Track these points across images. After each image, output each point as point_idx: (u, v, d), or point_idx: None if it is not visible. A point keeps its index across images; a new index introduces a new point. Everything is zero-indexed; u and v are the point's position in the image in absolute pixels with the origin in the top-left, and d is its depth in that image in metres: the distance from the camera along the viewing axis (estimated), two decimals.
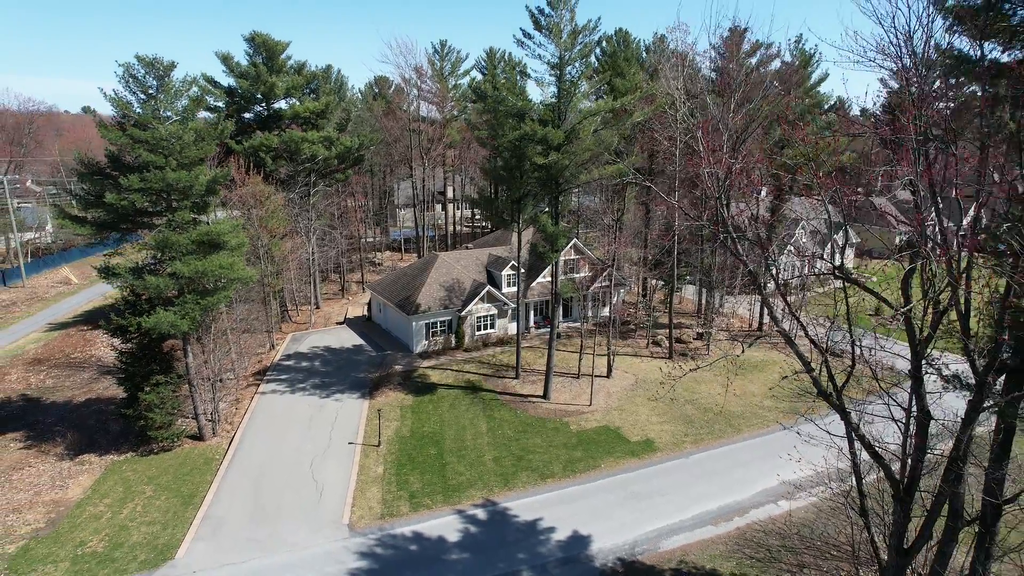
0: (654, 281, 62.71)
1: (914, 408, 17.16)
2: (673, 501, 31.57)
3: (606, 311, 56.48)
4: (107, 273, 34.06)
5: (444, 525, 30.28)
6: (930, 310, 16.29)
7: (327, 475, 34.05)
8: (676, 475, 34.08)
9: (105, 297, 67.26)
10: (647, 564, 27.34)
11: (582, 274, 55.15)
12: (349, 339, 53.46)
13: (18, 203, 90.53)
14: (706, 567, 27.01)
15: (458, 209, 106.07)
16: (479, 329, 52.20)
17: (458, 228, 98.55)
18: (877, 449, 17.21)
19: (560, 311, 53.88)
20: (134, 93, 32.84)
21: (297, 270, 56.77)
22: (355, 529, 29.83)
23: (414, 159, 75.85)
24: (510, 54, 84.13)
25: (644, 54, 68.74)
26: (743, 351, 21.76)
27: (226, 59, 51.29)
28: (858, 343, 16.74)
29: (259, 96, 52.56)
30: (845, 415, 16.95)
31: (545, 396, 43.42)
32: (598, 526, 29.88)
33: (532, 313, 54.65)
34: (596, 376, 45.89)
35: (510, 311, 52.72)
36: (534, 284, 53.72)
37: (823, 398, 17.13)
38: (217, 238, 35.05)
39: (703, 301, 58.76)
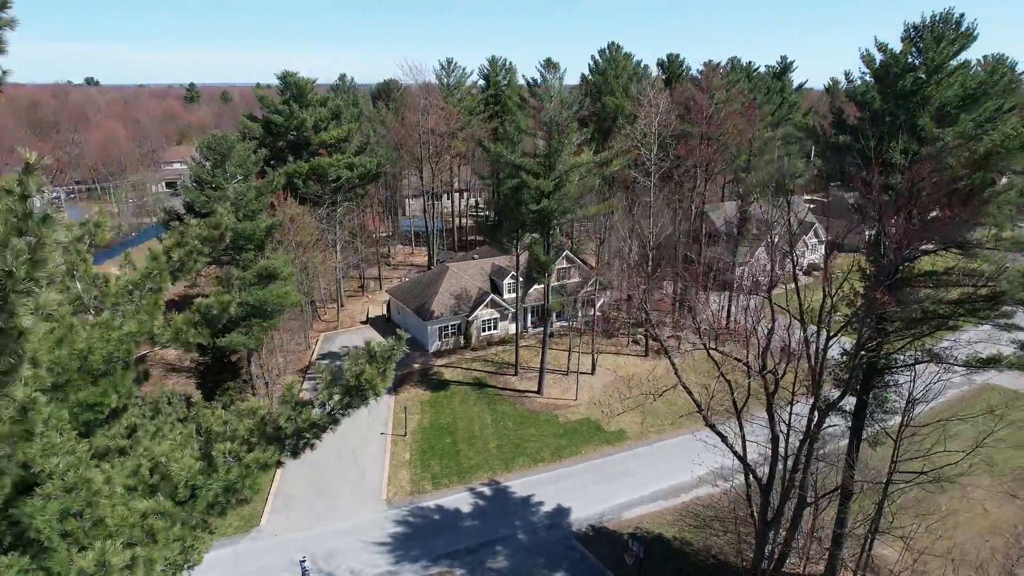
0: (637, 280, 71.71)
1: (772, 433, 26.53)
2: (635, 481, 41.13)
3: (596, 311, 65.64)
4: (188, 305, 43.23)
5: (459, 499, 40.00)
6: (783, 366, 25.46)
7: (366, 460, 43.76)
8: (640, 460, 43.62)
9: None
10: (611, 529, 37.05)
11: (573, 280, 64.27)
12: (373, 339, 62.73)
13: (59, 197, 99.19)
14: (655, 532, 36.69)
15: (463, 198, 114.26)
16: (484, 331, 61.53)
17: (464, 221, 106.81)
18: (746, 458, 26.62)
19: (553, 316, 63.00)
20: (208, 160, 41.57)
21: (324, 276, 65.82)
22: (391, 503, 39.59)
23: (423, 160, 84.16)
24: (509, 62, 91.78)
25: (636, 75, 76.37)
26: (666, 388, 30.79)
27: (263, 99, 59.92)
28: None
29: (292, 128, 60.95)
30: (719, 435, 26.29)
31: (539, 391, 52.94)
32: (576, 500, 39.56)
33: (529, 315, 63.80)
34: (581, 373, 55.37)
35: (510, 314, 61.87)
36: (531, 290, 62.72)
37: (706, 423, 26.51)
38: (274, 271, 44.04)
39: (677, 301, 67.63)
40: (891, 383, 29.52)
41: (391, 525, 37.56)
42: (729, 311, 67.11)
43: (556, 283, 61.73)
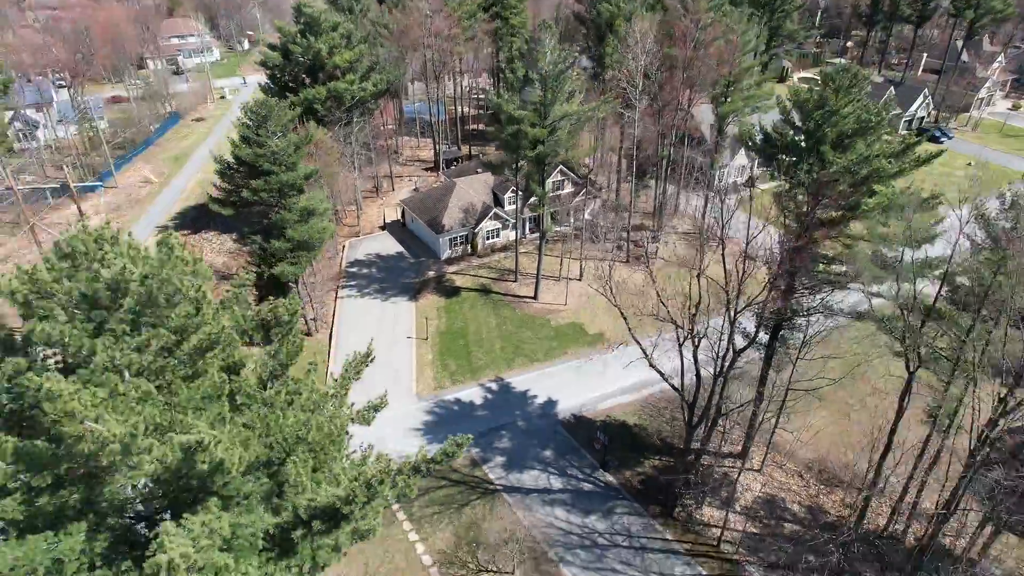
0: (625, 184, 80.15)
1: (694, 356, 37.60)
2: (609, 378, 53.03)
3: (586, 215, 74.90)
4: (245, 240, 52.89)
5: (472, 393, 52.37)
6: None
7: (398, 360, 55.73)
8: (615, 360, 55.47)
9: (182, 193, 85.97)
10: (588, 417, 49.63)
11: (566, 191, 73.02)
12: (392, 246, 72.91)
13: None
14: (620, 419, 49.30)
15: (463, 80, 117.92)
16: (488, 239, 71.41)
17: (467, 110, 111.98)
18: (668, 377, 37.95)
19: (548, 224, 72.39)
20: (252, 122, 49.29)
21: (345, 189, 74.38)
22: (420, 397, 52.00)
23: (427, 65, 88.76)
24: None
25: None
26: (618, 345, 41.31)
27: (281, 29, 65.09)
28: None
29: (308, 56, 66.67)
30: (643, 352, 37.34)
31: (535, 297, 63.95)
32: (562, 394, 51.88)
33: (527, 224, 73.17)
34: (571, 279, 66.17)
35: (511, 224, 71.28)
36: (529, 201, 71.53)
37: (638, 346, 37.51)
38: (314, 209, 53.27)
39: (657, 204, 76.35)
40: (793, 327, 40.20)
41: (422, 415, 50.18)
42: (704, 214, 76.44)
43: (551, 194, 70.36)
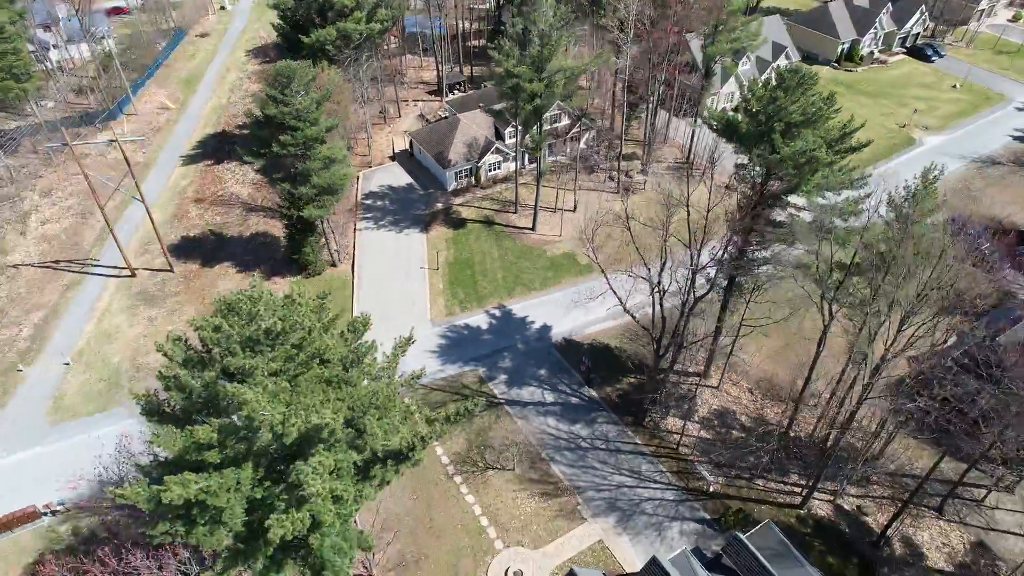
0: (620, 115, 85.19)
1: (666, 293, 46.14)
2: (596, 305, 61.67)
3: (581, 143, 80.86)
4: (270, 179, 59.84)
5: (479, 319, 61.31)
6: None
7: (413, 289, 64.28)
8: (601, 288, 63.89)
9: (199, 120, 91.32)
10: (576, 340, 58.82)
11: (563, 123, 78.65)
12: (402, 177, 79.46)
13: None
14: (603, 343, 58.52)
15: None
16: (490, 171, 77.91)
17: (468, 25, 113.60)
18: (640, 321, 46.64)
19: (545, 152, 78.42)
20: (278, 84, 54.94)
21: (354, 116, 79.71)
22: (435, 322, 60.99)
23: None
24: None
25: None
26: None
27: None
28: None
29: None
30: (612, 290, 45.82)
31: (533, 228, 71.51)
32: (555, 320, 60.77)
33: (526, 156, 79.27)
34: (565, 210, 73.46)
35: (511, 156, 77.47)
36: (528, 136, 77.36)
37: (605, 277, 45.97)
38: (335, 157, 59.81)
39: (648, 135, 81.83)
40: (747, 273, 48.30)
41: (436, 339, 59.37)
42: (691, 145, 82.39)
43: (548, 127, 76.07)
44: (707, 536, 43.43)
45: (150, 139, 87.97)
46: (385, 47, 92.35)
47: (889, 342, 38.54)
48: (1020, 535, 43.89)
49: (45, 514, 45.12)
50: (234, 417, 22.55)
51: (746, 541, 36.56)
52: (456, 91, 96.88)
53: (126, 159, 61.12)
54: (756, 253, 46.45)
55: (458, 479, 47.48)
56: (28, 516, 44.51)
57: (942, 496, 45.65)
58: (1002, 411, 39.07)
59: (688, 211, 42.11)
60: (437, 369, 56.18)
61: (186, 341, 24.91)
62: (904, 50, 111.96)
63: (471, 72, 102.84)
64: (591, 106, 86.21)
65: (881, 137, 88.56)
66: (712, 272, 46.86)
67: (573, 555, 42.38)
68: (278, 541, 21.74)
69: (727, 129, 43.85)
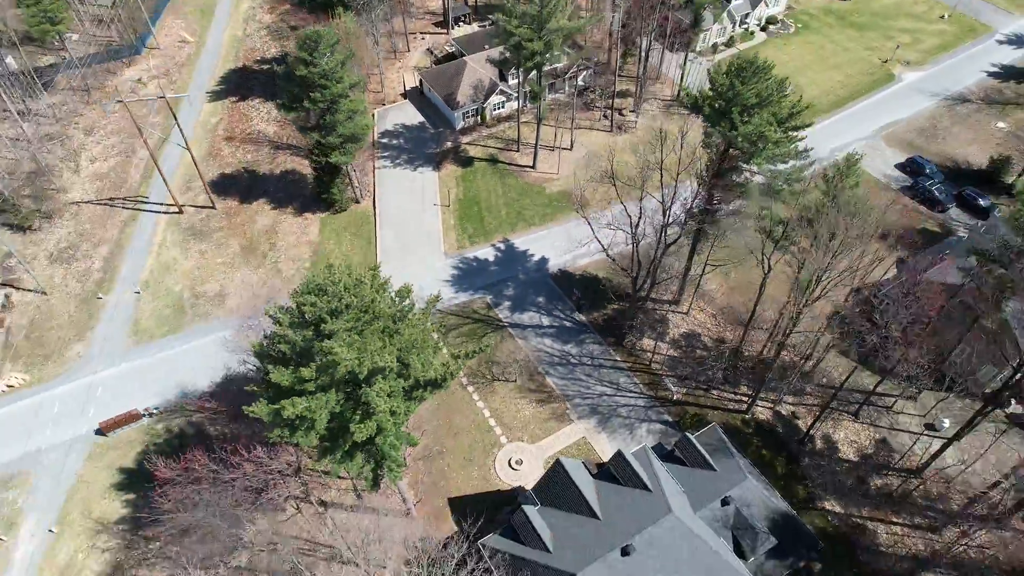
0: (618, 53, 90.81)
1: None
2: (596, 233, 71.25)
3: (579, 80, 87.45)
4: (304, 131, 68.04)
5: (486, 252, 71.12)
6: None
7: (428, 224, 73.68)
8: (599, 221, 73.19)
9: (219, 54, 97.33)
10: (570, 271, 68.88)
11: (561, 64, 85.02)
12: (414, 115, 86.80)
13: None
14: (593, 274, 68.58)
15: None
16: (494, 111, 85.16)
17: None
18: (619, 264, 56.65)
19: (545, 93, 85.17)
20: (307, 48, 62.05)
21: (367, 55, 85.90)
22: (448, 255, 70.87)
23: None
24: None
25: None
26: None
27: None
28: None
29: None
30: (606, 251, 55.73)
31: (533, 166, 79.85)
32: (552, 253, 70.55)
33: (527, 96, 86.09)
34: (563, 149, 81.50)
35: (514, 96, 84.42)
36: (530, 76, 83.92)
37: (583, 216, 55.75)
38: (357, 109, 67.61)
39: (640, 75, 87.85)
40: (712, 223, 57.58)
41: (449, 269, 69.46)
42: (682, 78, 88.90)
43: (547, 68, 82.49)
44: (668, 435, 55.29)
45: (175, 75, 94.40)
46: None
47: (817, 281, 48.46)
48: (915, 433, 55.72)
49: (144, 416, 57.14)
50: (319, 359, 33.12)
51: (693, 439, 48.27)
52: (461, 23, 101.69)
53: (172, 112, 68.97)
54: (720, 206, 55.57)
55: (471, 389, 59.01)
56: (132, 417, 56.54)
57: (859, 403, 57.17)
58: (910, 336, 49.66)
59: (661, 174, 51.17)
60: (451, 296, 66.57)
61: (287, 308, 34.99)
62: None
63: (475, 2, 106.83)
64: (589, 39, 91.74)
65: (863, 73, 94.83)
66: (683, 220, 56.40)
67: (562, 448, 54.49)
68: (358, 441, 32.99)
69: (695, 107, 51.77)
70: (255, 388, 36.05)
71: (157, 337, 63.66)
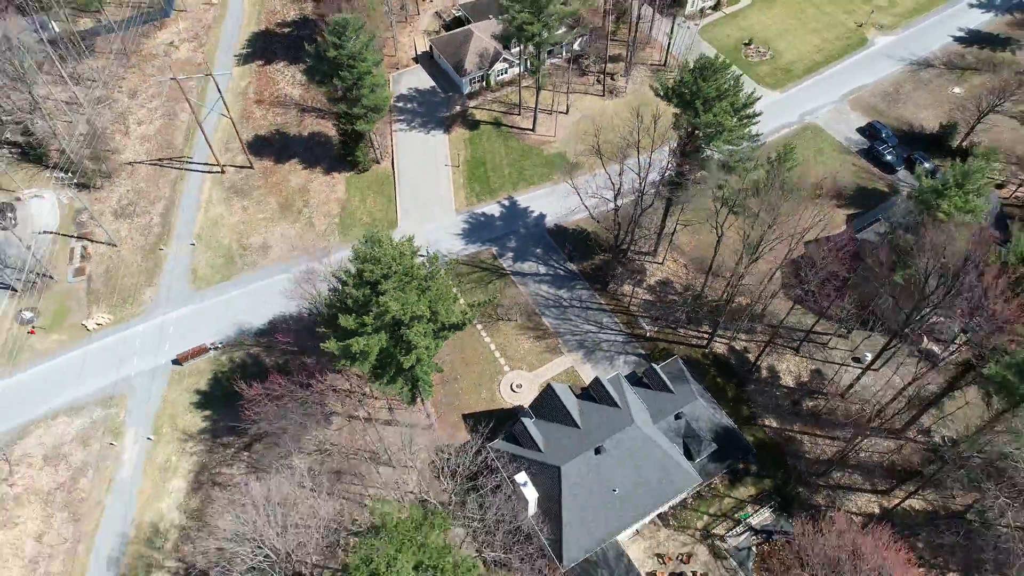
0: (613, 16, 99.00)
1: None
2: (577, 200, 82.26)
3: (575, 45, 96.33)
4: (334, 100, 78.33)
5: (492, 208, 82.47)
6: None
7: (440, 184, 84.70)
8: (585, 185, 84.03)
9: (243, 16, 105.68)
10: (564, 226, 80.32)
11: (560, 31, 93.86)
12: (426, 80, 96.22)
13: None
14: (584, 229, 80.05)
15: None
16: (498, 76, 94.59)
17: None
18: (602, 225, 68.33)
19: (544, 57, 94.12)
20: (336, 33, 71.63)
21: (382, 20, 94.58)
22: (458, 212, 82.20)
23: None
24: None
25: None
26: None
27: None
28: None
29: None
30: (591, 214, 67.39)
31: (533, 129, 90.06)
32: (549, 209, 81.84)
33: (528, 63, 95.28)
34: (559, 112, 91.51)
35: (516, 63, 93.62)
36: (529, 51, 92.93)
37: (586, 209, 67.31)
38: (378, 82, 77.63)
39: (630, 42, 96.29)
40: (680, 187, 68.71)
41: (460, 224, 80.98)
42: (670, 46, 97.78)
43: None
44: (640, 365, 68.12)
45: (203, 38, 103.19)
46: None
47: (760, 242, 60.10)
48: (843, 365, 68.60)
49: (211, 349, 70.04)
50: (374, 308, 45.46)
51: (657, 369, 61.17)
52: None
53: (217, 86, 78.99)
54: (687, 178, 66.61)
55: (480, 327, 71.56)
56: (201, 350, 69.46)
57: (800, 340, 69.86)
58: (828, 288, 61.88)
59: (639, 150, 62.27)
60: (461, 248, 78.39)
61: (348, 271, 47.07)
62: None
63: None
64: (584, 9, 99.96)
65: (838, 38, 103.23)
66: (657, 187, 67.81)
67: (553, 375, 67.55)
68: (404, 368, 45.88)
69: (666, 96, 62.08)
70: (325, 330, 48.57)
71: (213, 283, 75.87)
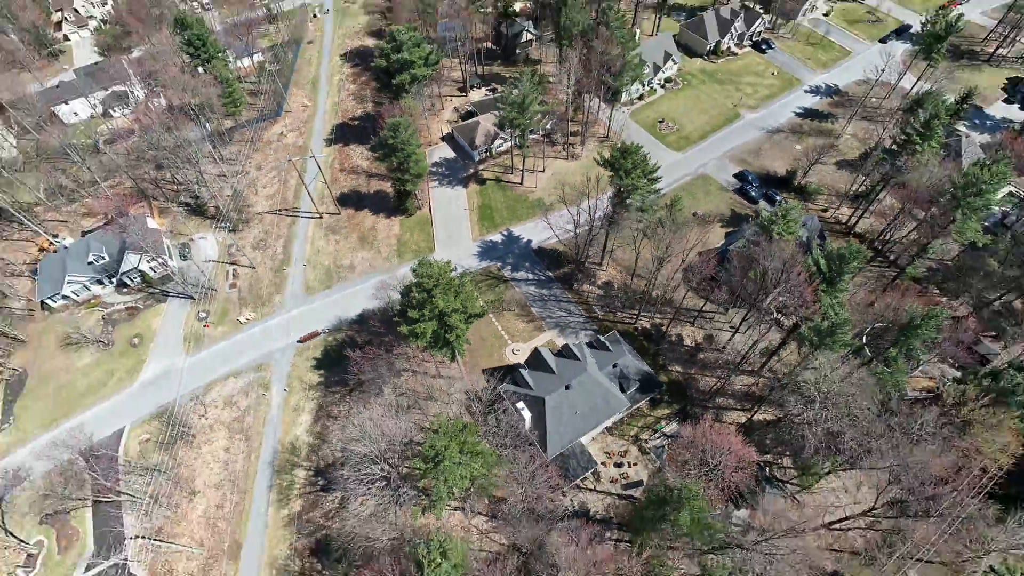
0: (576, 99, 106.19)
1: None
2: (553, 229, 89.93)
3: (547, 125, 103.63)
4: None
5: (496, 237, 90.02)
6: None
7: (461, 222, 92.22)
8: (555, 219, 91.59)
9: (325, 114, 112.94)
10: (545, 248, 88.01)
11: (537, 117, 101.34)
12: (449, 153, 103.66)
13: None
14: (557, 249, 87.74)
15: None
16: (497, 148, 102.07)
17: (483, 45, 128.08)
18: (568, 248, 76.13)
19: (527, 135, 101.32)
20: (393, 129, 79.17)
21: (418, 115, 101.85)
22: (473, 240, 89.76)
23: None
24: None
25: None
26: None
27: (381, 46, 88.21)
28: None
29: (400, 62, 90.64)
30: (558, 237, 75.14)
31: (521, 183, 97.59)
32: (534, 236, 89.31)
33: (516, 140, 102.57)
34: (538, 171, 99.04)
35: (509, 140, 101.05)
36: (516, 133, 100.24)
37: (545, 219, 75.08)
38: (419, 158, 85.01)
39: (584, 121, 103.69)
40: (615, 222, 76.34)
41: (475, 249, 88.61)
42: (609, 124, 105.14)
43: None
44: (593, 336, 76.05)
45: (302, 129, 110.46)
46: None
47: (665, 254, 67.87)
48: (722, 330, 76.50)
49: (321, 333, 77.85)
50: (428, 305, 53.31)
51: (602, 338, 69.13)
52: (475, 88, 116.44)
53: (318, 165, 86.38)
54: (619, 215, 74.24)
55: (492, 315, 79.23)
56: (315, 334, 77.31)
57: (694, 316, 77.77)
58: (715, 280, 69.71)
59: (589, 196, 69.99)
60: (477, 265, 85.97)
61: (412, 283, 54.84)
62: (750, 44, 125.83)
63: (482, 71, 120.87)
64: (553, 102, 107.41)
65: (720, 115, 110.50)
66: (601, 222, 75.52)
67: (539, 344, 75.43)
68: (449, 341, 53.76)
69: (603, 164, 69.78)
70: (398, 319, 56.50)
71: (319, 291, 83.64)
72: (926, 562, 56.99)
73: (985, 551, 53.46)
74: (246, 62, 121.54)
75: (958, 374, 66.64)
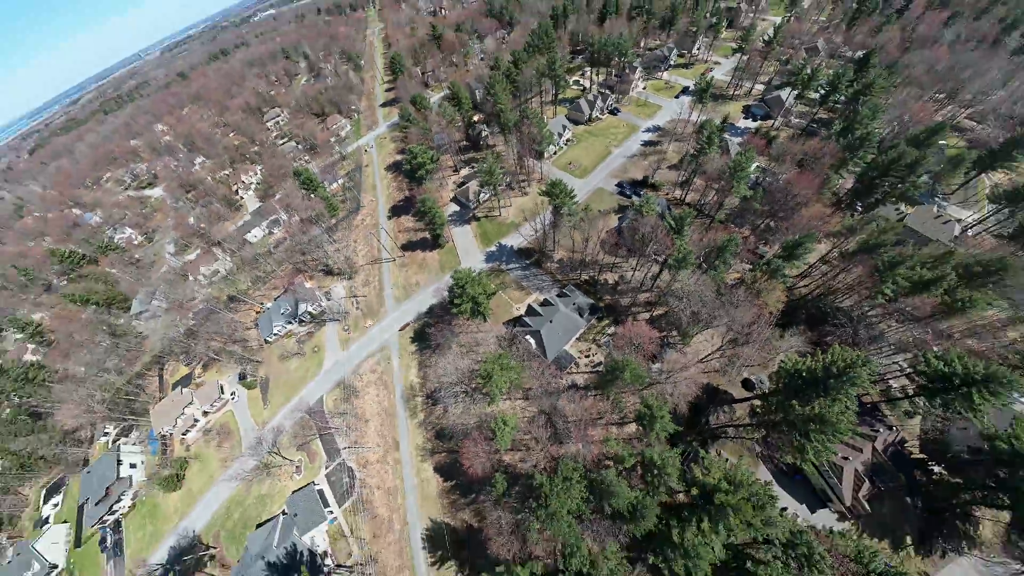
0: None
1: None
2: (524, 236, 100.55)
3: (507, 180, 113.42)
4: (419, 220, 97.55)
5: (492, 249, 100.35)
6: None
7: (471, 244, 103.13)
8: (525, 230, 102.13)
9: (384, 203, 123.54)
10: (524, 248, 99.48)
11: (501, 175, 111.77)
12: (455, 208, 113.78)
13: None
14: (529, 247, 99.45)
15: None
16: (483, 199, 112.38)
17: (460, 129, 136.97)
18: (533, 248, 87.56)
19: (498, 188, 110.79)
20: (423, 202, 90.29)
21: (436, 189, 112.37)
22: (479, 252, 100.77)
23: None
24: None
25: None
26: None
27: (404, 153, 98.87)
28: None
29: (415, 163, 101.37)
30: (522, 235, 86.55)
31: (500, 216, 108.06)
32: (514, 243, 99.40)
33: (493, 191, 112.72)
34: (507, 207, 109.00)
35: (493, 193, 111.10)
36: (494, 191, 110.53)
37: (519, 231, 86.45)
38: (441, 218, 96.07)
39: (527, 171, 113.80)
40: (558, 225, 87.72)
41: (483, 257, 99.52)
42: (541, 174, 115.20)
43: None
44: (558, 291, 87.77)
45: (374, 214, 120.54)
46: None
47: (587, 238, 78.88)
48: (630, 271, 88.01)
49: (410, 323, 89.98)
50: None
51: (564, 290, 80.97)
52: (461, 168, 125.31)
53: (385, 231, 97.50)
54: (559, 221, 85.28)
55: (501, 292, 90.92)
56: (406, 325, 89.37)
57: (611, 267, 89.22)
58: (622, 243, 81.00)
59: (539, 214, 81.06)
60: (485, 266, 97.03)
61: (454, 284, 66.65)
62: (608, 111, 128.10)
63: (464, 158, 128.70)
64: (506, 162, 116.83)
65: (601, 154, 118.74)
66: (550, 225, 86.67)
67: (530, 301, 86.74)
68: (480, 311, 65.80)
69: (543, 195, 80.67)
70: (451, 305, 68.58)
71: (404, 300, 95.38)
72: (749, 367, 69.82)
73: (776, 354, 66.27)
74: (334, 185, 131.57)
75: (750, 266, 78.70)
